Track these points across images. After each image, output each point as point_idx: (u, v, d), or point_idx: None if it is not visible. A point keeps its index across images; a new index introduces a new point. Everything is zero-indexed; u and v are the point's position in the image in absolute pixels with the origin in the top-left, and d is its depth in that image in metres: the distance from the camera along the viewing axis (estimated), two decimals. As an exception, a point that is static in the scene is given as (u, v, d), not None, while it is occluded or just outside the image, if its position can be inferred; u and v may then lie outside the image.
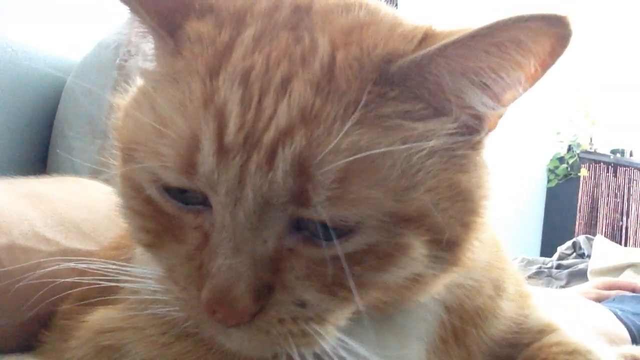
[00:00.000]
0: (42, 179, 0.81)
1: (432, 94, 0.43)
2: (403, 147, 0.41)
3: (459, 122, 0.44)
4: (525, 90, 0.43)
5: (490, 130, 0.47)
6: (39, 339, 0.64)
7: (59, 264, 0.56)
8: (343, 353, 0.45)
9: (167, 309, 0.48)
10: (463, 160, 0.44)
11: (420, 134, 0.42)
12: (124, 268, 0.51)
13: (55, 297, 0.61)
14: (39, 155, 1.62)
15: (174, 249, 0.45)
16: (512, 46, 0.40)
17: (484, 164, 0.47)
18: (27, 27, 1.57)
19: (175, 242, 0.45)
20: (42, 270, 0.58)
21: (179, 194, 0.44)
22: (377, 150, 0.39)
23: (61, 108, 1.59)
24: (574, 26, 0.38)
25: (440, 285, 0.49)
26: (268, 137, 0.39)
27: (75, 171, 1.36)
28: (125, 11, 0.47)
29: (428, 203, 0.41)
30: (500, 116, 0.46)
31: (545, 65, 0.42)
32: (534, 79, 0.43)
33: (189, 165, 0.40)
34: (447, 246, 0.44)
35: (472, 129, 0.45)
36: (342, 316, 0.45)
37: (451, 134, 0.44)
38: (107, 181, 0.92)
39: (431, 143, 0.42)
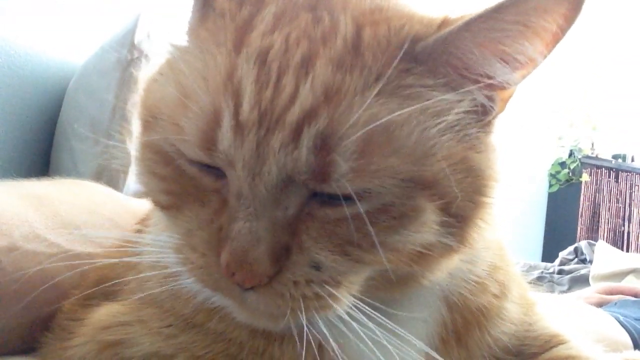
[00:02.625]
0: (44, 181, 0.81)
1: (455, 70, 0.45)
2: (419, 108, 0.42)
3: (475, 101, 0.46)
4: (544, 57, 0.45)
5: (500, 112, 0.49)
6: (40, 341, 0.64)
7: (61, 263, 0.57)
8: (360, 316, 0.45)
9: (180, 282, 0.48)
10: (475, 140, 0.46)
11: (438, 105, 0.44)
12: (139, 237, 0.51)
13: (56, 298, 0.61)
14: (42, 157, 1.62)
15: (195, 211, 0.45)
16: (535, 13, 0.42)
17: (494, 147, 0.49)
18: (30, 30, 1.58)
19: (196, 204, 0.45)
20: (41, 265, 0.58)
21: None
22: (397, 113, 0.41)
23: (64, 111, 1.59)
24: None
25: (446, 268, 0.49)
26: (292, 116, 0.40)
27: (77, 173, 1.37)
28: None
29: (443, 170, 0.43)
30: (510, 96, 0.48)
31: (563, 30, 0.43)
32: (554, 42, 0.44)
33: (209, 141, 0.41)
34: (456, 219, 0.45)
35: (485, 109, 0.47)
36: (355, 281, 0.46)
37: (467, 112, 0.46)
38: (109, 183, 0.92)
39: (449, 117, 0.44)
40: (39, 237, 0.66)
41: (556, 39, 0.44)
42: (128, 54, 1.40)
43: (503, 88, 0.47)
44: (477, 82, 0.45)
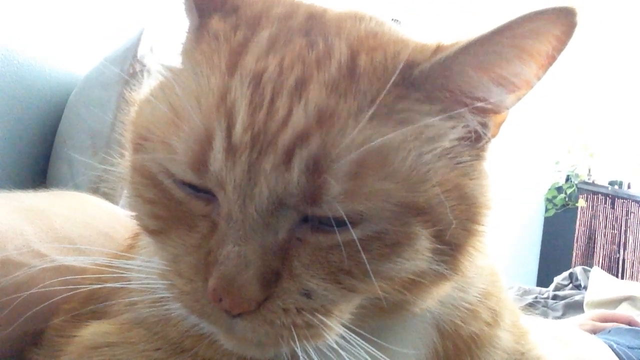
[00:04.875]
0: (40, 193, 0.81)
1: (451, 94, 0.45)
2: (414, 133, 0.43)
3: (469, 128, 0.47)
4: (538, 79, 0.46)
5: (493, 137, 0.49)
6: (28, 357, 0.63)
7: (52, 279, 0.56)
8: (349, 346, 0.44)
9: (169, 307, 0.48)
10: (468, 167, 0.47)
11: (433, 131, 0.44)
12: (127, 262, 0.51)
13: (46, 313, 0.60)
14: (40, 168, 1.62)
15: (182, 237, 0.45)
16: (531, 36, 0.43)
17: (487, 173, 0.49)
18: (33, 40, 1.59)
19: (183, 229, 0.45)
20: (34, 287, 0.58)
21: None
22: (390, 135, 0.41)
23: (63, 122, 1.60)
24: (579, 17, 0.42)
25: (437, 295, 0.49)
26: (284, 139, 0.40)
27: (75, 185, 1.37)
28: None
29: (437, 196, 0.43)
30: (503, 120, 0.49)
31: (558, 51, 0.44)
32: (548, 64, 0.45)
33: (200, 162, 0.41)
34: (449, 247, 0.45)
35: (479, 136, 0.48)
36: (346, 309, 0.45)
37: (461, 138, 0.46)
38: (107, 196, 0.91)
39: (444, 144, 0.45)
40: (33, 251, 0.66)
41: (550, 61, 0.44)
42: (130, 67, 1.41)
43: (497, 112, 0.47)
44: (473, 106, 0.45)
